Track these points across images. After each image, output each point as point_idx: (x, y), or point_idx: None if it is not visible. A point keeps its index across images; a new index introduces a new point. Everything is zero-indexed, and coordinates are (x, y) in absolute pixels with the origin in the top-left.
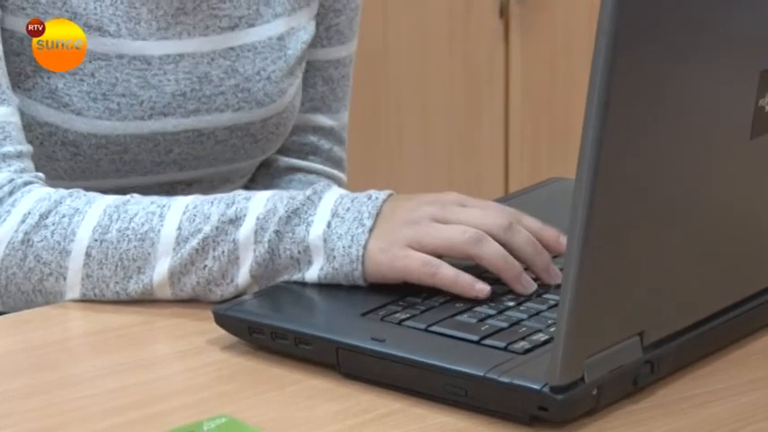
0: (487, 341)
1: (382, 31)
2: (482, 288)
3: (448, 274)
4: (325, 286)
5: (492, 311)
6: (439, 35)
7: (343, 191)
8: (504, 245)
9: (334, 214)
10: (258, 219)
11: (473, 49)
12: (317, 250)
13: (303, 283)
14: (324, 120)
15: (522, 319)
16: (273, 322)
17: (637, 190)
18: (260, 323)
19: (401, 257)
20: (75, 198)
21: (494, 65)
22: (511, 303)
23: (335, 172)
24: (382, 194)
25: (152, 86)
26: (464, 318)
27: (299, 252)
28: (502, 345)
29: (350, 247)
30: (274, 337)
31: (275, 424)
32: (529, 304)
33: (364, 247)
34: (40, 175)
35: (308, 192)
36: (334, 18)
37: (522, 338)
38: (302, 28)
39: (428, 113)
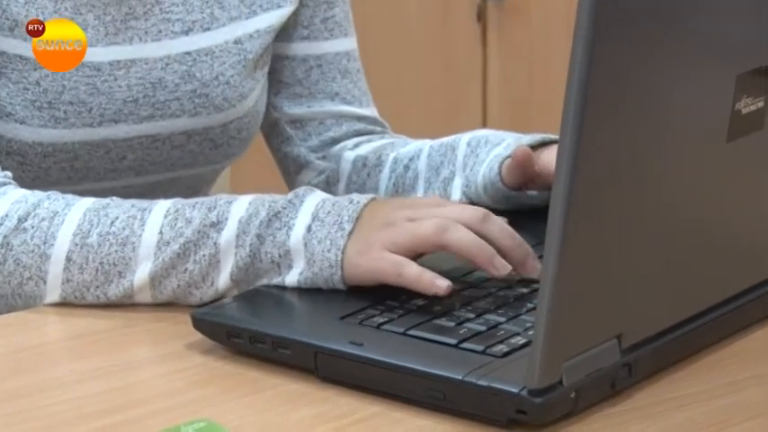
0: (466, 345)
1: (359, 35)
2: (441, 284)
3: (411, 273)
4: (303, 290)
5: (470, 315)
6: (416, 39)
7: (325, 194)
8: (479, 235)
9: (315, 218)
10: (240, 222)
11: (451, 52)
12: (297, 254)
13: (282, 287)
14: (357, 110)
15: (501, 323)
16: (251, 326)
17: (614, 193)
18: (238, 327)
19: (376, 259)
20: (54, 200)
21: (471, 68)
22: (489, 307)
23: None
24: (363, 198)
25: (101, 93)
26: (442, 321)
27: (279, 256)
28: (480, 348)
29: (329, 251)
30: (252, 342)
31: (253, 428)
32: (507, 308)
33: (343, 252)
34: (9, 173)
35: (290, 195)
36: (329, 10)
37: (501, 342)
38: (271, 31)
39: (406, 117)
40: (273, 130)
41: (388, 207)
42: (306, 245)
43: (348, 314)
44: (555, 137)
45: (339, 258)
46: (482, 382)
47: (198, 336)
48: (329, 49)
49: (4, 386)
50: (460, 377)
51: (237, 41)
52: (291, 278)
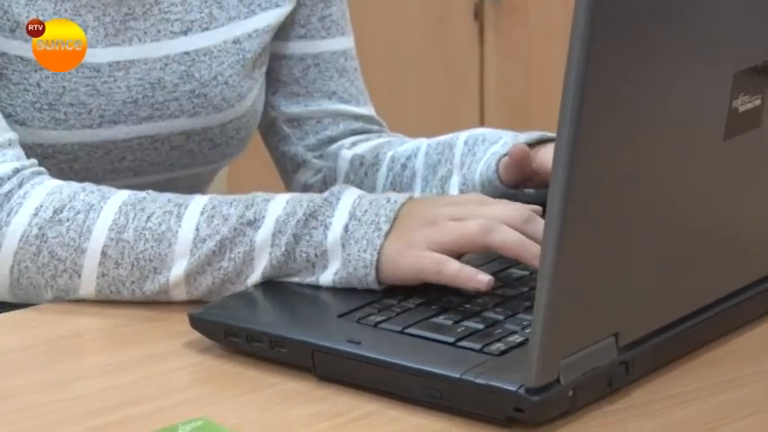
0: (463, 343)
1: (357, 34)
2: (482, 279)
3: (451, 270)
4: (301, 288)
5: (468, 313)
6: (413, 38)
7: (360, 191)
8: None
9: (352, 217)
10: (277, 221)
11: (448, 51)
12: (334, 254)
13: (279, 285)
14: (354, 109)
15: (498, 321)
16: (248, 325)
17: (611, 191)
18: (235, 326)
19: (416, 258)
20: (89, 193)
21: (469, 67)
22: (487, 305)
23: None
24: (401, 198)
25: (101, 94)
26: (440, 320)
27: (315, 255)
28: (478, 346)
29: (365, 251)
30: (250, 340)
31: (251, 427)
32: (505, 306)
33: (379, 252)
34: (35, 161)
35: (326, 194)
36: (326, 9)
37: (498, 340)
38: (269, 30)
39: (403, 116)
40: (271, 129)
41: (427, 205)
42: (344, 245)
43: (345, 312)
44: (552, 135)
45: (374, 259)
46: (479, 381)
47: (195, 335)
48: (326, 47)
49: (3, 385)
50: (458, 375)
51: (236, 41)
52: (326, 278)
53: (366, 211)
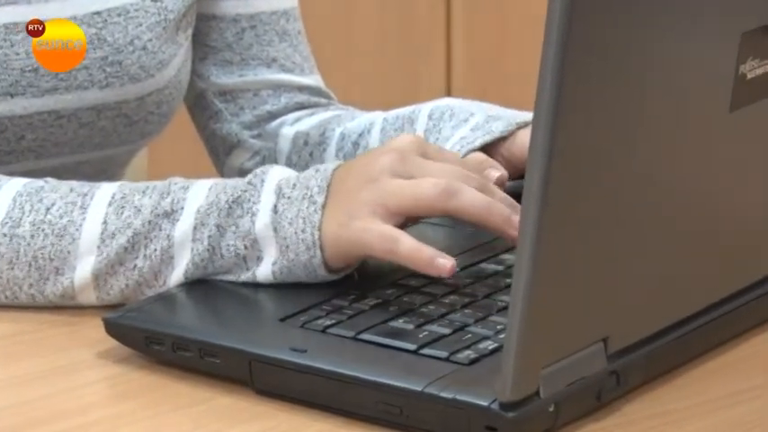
0: (426, 350)
1: None
2: (444, 263)
3: (406, 249)
4: (236, 287)
5: (432, 315)
6: None
7: (288, 170)
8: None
9: (280, 195)
10: (198, 212)
11: (408, 5)
12: (266, 242)
13: (209, 284)
14: (298, 78)
15: (468, 325)
16: (174, 331)
17: (598, 175)
18: (159, 332)
19: (359, 231)
20: None
21: (433, 23)
22: (455, 306)
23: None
24: (331, 165)
25: None
26: (399, 323)
27: (245, 247)
28: (443, 354)
29: (302, 231)
30: (176, 349)
31: None
32: (475, 307)
33: (319, 229)
34: None
35: (249, 176)
36: None
37: (467, 347)
38: None
39: (355, 85)
40: (199, 103)
41: (362, 160)
42: (275, 229)
43: (289, 315)
44: (530, 116)
45: (316, 237)
46: (445, 395)
47: (112, 342)
48: (265, 7)
49: None
50: (420, 388)
51: None
52: (264, 271)
53: (294, 185)
